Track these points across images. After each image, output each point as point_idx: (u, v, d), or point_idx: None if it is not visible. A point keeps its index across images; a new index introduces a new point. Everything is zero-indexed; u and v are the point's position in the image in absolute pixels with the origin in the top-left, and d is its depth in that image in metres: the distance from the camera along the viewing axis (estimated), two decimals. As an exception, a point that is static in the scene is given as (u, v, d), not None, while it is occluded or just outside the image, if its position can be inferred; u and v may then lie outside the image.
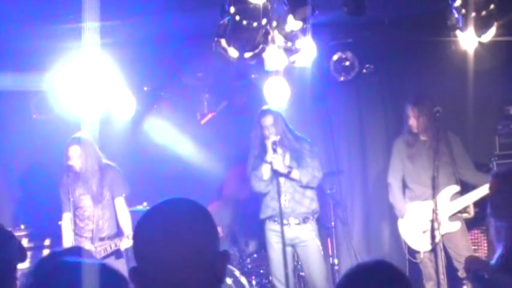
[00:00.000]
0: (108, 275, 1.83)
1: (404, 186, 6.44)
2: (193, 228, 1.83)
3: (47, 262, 2.08)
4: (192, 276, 1.80)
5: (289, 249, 6.14)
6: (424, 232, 6.17)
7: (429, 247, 6.15)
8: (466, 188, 6.32)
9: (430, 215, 6.04)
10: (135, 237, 1.86)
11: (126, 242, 6.09)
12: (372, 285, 2.01)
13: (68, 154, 6.09)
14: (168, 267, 1.78)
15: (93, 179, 6.19)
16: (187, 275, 1.79)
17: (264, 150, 6.16)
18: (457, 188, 6.26)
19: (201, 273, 1.80)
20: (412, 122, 6.25)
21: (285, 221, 6.08)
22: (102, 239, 6.18)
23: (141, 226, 1.86)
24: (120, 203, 6.31)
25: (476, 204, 6.29)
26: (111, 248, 6.13)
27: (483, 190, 6.16)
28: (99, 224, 6.17)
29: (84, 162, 6.13)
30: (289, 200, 6.13)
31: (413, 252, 6.32)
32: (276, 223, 6.18)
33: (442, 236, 5.96)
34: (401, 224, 6.37)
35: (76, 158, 6.10)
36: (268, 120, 6.18)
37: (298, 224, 6.16)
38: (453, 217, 6.20)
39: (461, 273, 6.18)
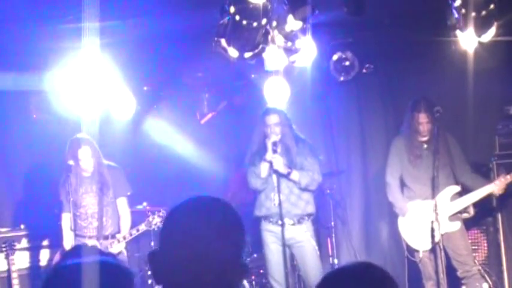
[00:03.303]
0: (111, 271, 1.83)
1: (402, 185, 6.44)
2: (216, 240, 1.90)
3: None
4: (206, 276, 1.87)
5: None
6: (423, 231, 6.16)
7: (429, 246, 6.14)
8: (465, 188, 6.32)
9: (429, 215, 6.04)
10: (166, 219, 1.98)
11: (117, 246, 6.19)
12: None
13: (78, 156, 6.11)
14: (186, 259, 1.87)
15: (100, 178, 6.23)
16: (203, 273, 1.86)
17: (264, 148, 6.15)
18: (457, 188, 6.26)
19: (215, 277, 1.87)
20: (423, 127, 6.21)
21: (279, 222, 6.07)
22: (106, 237, 6.22)
23: (176, 209, 1.97)
24: (123, 203, 6.39)
25: (476, 204, 6.29)
26: (119, 242, 6.25)
27: (483, 191, 6.18)
28: (103, 221, 6.20)
29: (95, 162, 6.19)
30: (283, 201, 6.09)
31: (412, 251, 6.32)
32: (271, 223, 6.18)
33: (442, 235, 5.96)
34: (401, 222, 6.37)
35: (88, 158, 6.15)
36: (273, 119, 6.16)
37: (293, 224, 6.15)
38: (453, 217, 6.20)
39: (461, 273, 6.18)
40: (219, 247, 1.88)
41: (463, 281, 6.20)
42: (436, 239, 5.94)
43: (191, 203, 1.99)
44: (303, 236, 6.17)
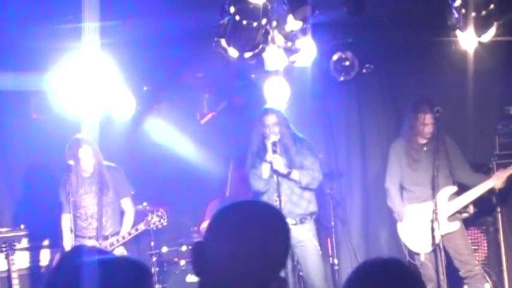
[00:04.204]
0: (131, 268, 1.84)
1: (402, 188, 6.43)
2: (260, 246, 1.89)
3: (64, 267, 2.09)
4: (244, 279, 1.87)
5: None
6: (423, 234, 6.15)
7: (429, 248, 6.14)
8: (463, 188, 6.31)
9: (428, 216, 6.03)
10: (217, 213, 1.97)
11: (118, 249, 6.21)
12: (383, 283, 1.92)
13: (79, 155, 6.11)
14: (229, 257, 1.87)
15: (99, 178, 6.23)
16: (242, 276, 1.87)
17: (263, 149, 6.14)
18: (454, 189, 6.25)
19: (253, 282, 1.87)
20: (428, 129, 6.20)
21: None
22: (106, 238, 6.23)
23: (229, 206, 1.97)
24: (128, 203, 6.44)
25: (476, 203, 6.29)
26: (118, 241, 6.26)
27: (480, 189, 6.17)
28: (102, 221, 6.20)
29: (95, 162, 6.20)
30: (285, 201, 6.08)
31: (412, 254, 6.30)
32: None
33: (442, 236, 5.95)
34: (400, 227, 6.36)
35: (88, 158, 6.16)
36: (271, 119, 6.16)
37: (295, 224, 6.13)
38: (452, 217, 6.20)
39: (462, 273, 6.18)
40: (262, 253, 1.88)
41: (465, 281, 6.19)
42: (437, 240, 5.93)
43: (245, 204, 2.01)
44: (305, 236, 6.16)
